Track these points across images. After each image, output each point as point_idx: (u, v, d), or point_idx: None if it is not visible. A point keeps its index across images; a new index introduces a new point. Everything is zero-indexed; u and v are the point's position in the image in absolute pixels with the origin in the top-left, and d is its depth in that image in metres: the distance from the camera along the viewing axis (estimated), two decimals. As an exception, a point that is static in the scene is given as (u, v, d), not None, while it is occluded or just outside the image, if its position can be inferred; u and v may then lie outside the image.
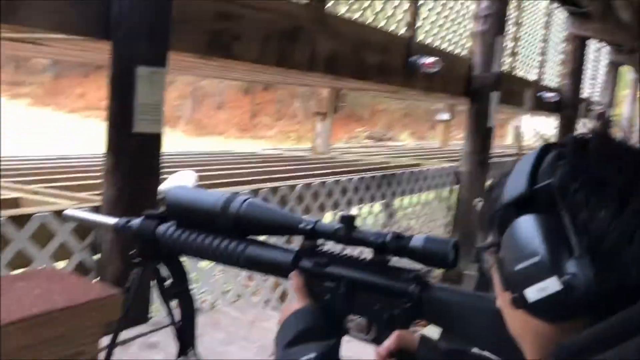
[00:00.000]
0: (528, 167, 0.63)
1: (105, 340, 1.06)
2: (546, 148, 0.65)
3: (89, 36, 2.09)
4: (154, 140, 2.24)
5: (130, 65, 2.09)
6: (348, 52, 3.49)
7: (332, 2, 3.40)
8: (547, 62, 7.82)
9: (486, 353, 0.80)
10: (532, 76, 7.33)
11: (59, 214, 2.10)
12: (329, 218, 3.84)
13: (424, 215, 5.39)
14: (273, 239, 2.52)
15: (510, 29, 6.08)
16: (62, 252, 2.19)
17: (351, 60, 3.55)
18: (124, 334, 1.30)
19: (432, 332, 0.87)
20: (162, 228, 1.04)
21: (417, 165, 5.40)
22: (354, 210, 4.06)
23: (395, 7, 4.11)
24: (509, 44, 6.19)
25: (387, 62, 3.92)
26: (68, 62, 17.48)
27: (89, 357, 0.98)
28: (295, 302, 0.91)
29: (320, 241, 0.93)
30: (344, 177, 3.85)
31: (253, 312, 1.45)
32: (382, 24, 4.00)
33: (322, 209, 3.53)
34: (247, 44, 2.77)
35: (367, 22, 3.84)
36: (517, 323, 0.64)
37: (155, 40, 2.14)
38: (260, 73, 4.00)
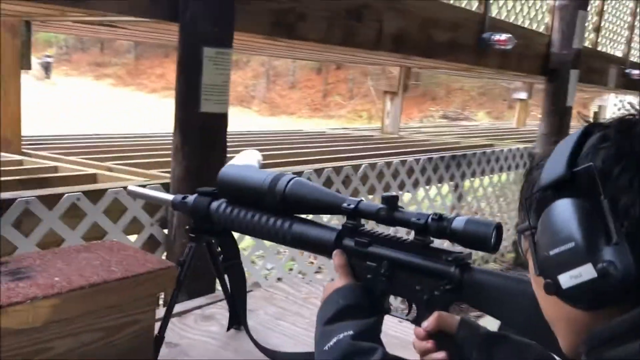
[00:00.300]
0: (568, 149, 0.61)
1: (162, 311, 1.12)
2: (589, 129, 0.63)
3: (158, 18, 2.16)
4: (220, 119, 2.30)
5: (197, 46, 2.15)
6: (416, 29, 3.43)
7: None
8: (636, 37, 7.33)
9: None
10: (618, 52, 6.92)
11: (130, 189, 2.21)
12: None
13: (496, 198, 5.25)
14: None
15: (593, 2, 5.74)
16: (134, 226, 2.31)
17: (419, 38, 3.48)
18: (184, 306, 1.37)
19: (491, 324, 0.86)
20: (214, 205, 1.08)
21: (490, 145, 5.25)
22: (421, 191, 4.02)
23: (468, -18, 3.98)
24: (592, 18, 5.86)
25: (457, 39, 3.82)
26: (148, 44, 18.14)
27: (145, 325, 1.04)
28: (338, 280, 0.92)
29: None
30: (410, 157, 3.80)
31: (306, 289, 1.48)
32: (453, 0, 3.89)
33: (387, 189, 3.51)
34: (313, 24, 2.77)
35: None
36: (551, 308, 0.63)
37: (220, 21, 2.19)
38: (327, 52, 3.99)
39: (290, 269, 3.57)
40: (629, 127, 0.60)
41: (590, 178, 0.57)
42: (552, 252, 0.58)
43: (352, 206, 0.92)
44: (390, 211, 0.88)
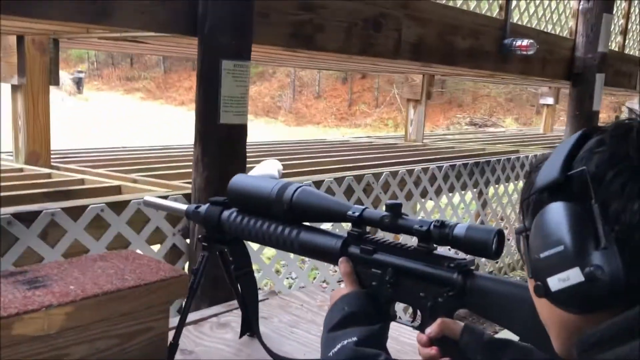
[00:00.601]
0: (565, 152, 0.62)
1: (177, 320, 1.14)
2: (587, 133, 0.63)
3: (177, 33, 2.21)
4: (240, 130, 2.33)
5: (215, 59, 2.19)
6: (435, 37, 3.43)
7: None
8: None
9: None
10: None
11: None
12: (417, 206, 3.81)
13: (521, 204, 5.18)
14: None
15: (619, 4, 5.65)
16: (157, 236, 2.35)
17: (439, 46, 3.48)
18: (201, 314, 1.39)
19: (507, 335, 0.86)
20: (225, 214, 1.10)
21: (515, 152, 5.20)
22: (444, 199, 3.99)
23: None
24: (618, 21, 5.77)
25: (478, 45, 3.81)
26: (176, 57, 18.44)
27: (158, 332, 1.06)
28: (343, 288, 0.93)
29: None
30: (433, 165, 3.79)
31: (321, 297, 1.49)
32: (473, 5, 3.87)
33: (409, 197, 3.50)
34: (331, 34, 2.80)
35: (458, 5, 3.74)
36: (545, 311, 0.63)
37: (238, 34, 2.23)
38: (348, 62, 4.02)
39: (314, 278, 3.58)
40: (625, 132, 0.60)
41: (583, 182, 0.58)
42: (542, 255, 0.59)
43: (356, 214, 0.93)
44: (394, 219, 0.89)
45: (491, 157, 4.56)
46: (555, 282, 0.57)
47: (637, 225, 0.55)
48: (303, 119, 20.70)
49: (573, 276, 0.55)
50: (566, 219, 0.58)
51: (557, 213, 0.59)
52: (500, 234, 0.81)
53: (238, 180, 1.08)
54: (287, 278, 3.67)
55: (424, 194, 3.66)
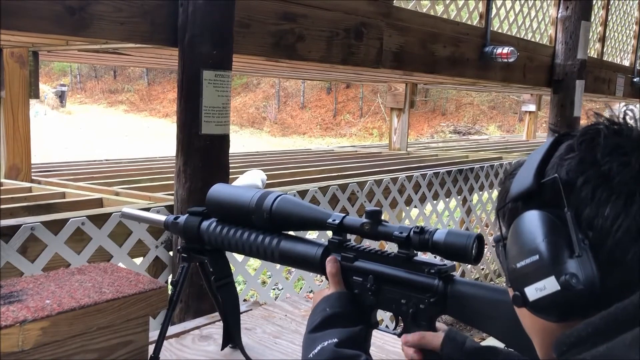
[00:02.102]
0: (537, 160, 0.62)
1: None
2: (560, 140, 0.63)
3: (157, 44, 2.20)
4: (221, 140, 2.32)
5: (196, 69, 2.18)
6: (417, 45, 3.45)
7: (399, -4, 3.37)
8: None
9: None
10: (625, 62, 6.90)
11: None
12: (402, 214, 3.81)
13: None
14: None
15: (597, 12, 5.74)
16: (139, 249, 2.32)
17: (420, 54, 3.50)
18: (183, 326, 1.37)
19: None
20: (204, 224, 1.09)
21: (498, 158, 5.24)
22: (428, 206, 4.00)
23: (468, -3, 4.01)
24: (596, 28, 5.85)
25: (459, 53, 3.84)
26: (159, 69, 18.39)
27: (138, 346, 1.04)
28: (327, 288, 0.92)
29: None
30: (417, 173, 3.80)
31: (305, 306, 1.48)
32: (453, 14, 3.91)
33: (393, 205, 3.50)
34: (312, 44, 2.81)
35: (438, 14, 3.77)
36: (526, 320, 0.63)
37: (219, 44, 2.22)
38: (331, 72, 4.03)
39: (300, 288, 3.56)
40: (592, 137, 0.60)
41: (555, 190, 0.58)
42: (518, 265, 0.59)
43: (337, 222, 0.92)
44: (374, 225, 0.88)
45: (474, 164, 4.58)
46: (533, 292, 0.57)
47: (609, 229, 0.55)
48: (288, 129, 20.71)
49: (549, 285, 0.55)
50: (540, 228, 0.57)
51: (531, 222, 0.59)
52: (479, 239, 0.80)
53: (217, 189, 1.07)
54: (273, 289, 3.64)
55: (408, 202, 3.66)
